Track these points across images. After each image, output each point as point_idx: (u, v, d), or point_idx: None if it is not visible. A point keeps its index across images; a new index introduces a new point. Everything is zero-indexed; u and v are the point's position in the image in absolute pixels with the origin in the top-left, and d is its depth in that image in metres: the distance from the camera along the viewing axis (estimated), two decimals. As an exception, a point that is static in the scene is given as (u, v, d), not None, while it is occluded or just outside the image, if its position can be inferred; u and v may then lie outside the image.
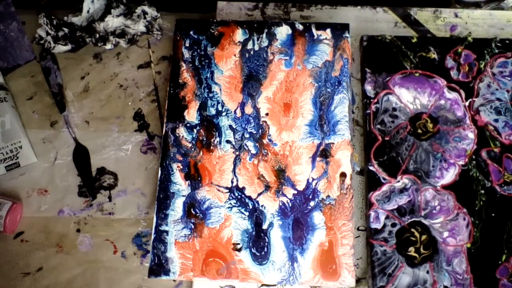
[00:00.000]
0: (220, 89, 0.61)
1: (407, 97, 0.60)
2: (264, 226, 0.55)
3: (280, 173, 0.57)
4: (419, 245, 0.54)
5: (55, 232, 0.58)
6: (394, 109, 0.60)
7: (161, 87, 0.65)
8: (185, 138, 0.59)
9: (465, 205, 0.55)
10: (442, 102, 0.60)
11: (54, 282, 0.56)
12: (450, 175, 0.56)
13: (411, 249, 0.54)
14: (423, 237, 0.54)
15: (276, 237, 0.55)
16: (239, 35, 0.63)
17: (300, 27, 0.63)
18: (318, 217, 0.55)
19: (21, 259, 0.57)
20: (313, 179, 0.57)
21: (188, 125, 0.60)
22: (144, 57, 0.67)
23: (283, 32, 0.63)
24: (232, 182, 0.57)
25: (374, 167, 0.57)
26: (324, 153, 0.58)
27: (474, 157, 0.57)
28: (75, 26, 0.66)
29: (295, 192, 0.57)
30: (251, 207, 0.56)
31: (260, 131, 0.59)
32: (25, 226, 0.58)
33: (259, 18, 0.68)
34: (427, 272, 0.53)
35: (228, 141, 0.59)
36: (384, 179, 0.56)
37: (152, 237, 0.55)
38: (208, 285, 0.55)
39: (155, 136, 0.63)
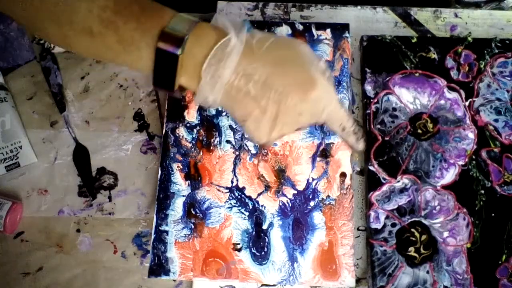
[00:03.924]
0: (220, 89, 0.61)
1: (407, 97, 0.60)
2: (264, 226, 0.55)
3: (280, 173, 0.57)
4: (419, 245, 0.54)
5: (55, 232, 0.58)
6: (394, 109, 0.59)
7: (161, 87, 0.65)
8: (185, 138, 0.59)
9: (465, 205, 0.55)
10: (442, 102, 0.60)
11: (54, 282, 0.56)
12: (450, 175, 0.56)
13: (411, 249, 0.54)
14: (423, 237, 0.54)
15: (276, 237, 0.55)
16: (239, 35, 0.63)
17: (300, 27, 0.63)
18: (318, 217, 0.55)
19: (21, 259, 0.57)
20: (313, 179, 0.57)
21: (188, 125, 0.60)
22: (144, 57, 0.67)
23: (283, 32, 0.63)
24: (232, 182, 0.57)
25: (374, 167, 0.57)
26: (324, 153, 0.58)
27: (474, 157, 0.57)
28: (75, 26, 0.66)
29: (295, 192, 0.57)
30: (251, 207, 0.56)
31: (260, 131, 0.59)
32: (25, 226, 0.58)
33: (259, 18, 0.68)
34: (427, 272, 0.53)
35: (228, 141, 0.59)
36: (384, 179, 0.56)
37: (152, 237, 0.55)
38: (208, 285, 0.55)
39: (155, 136, 0.63)
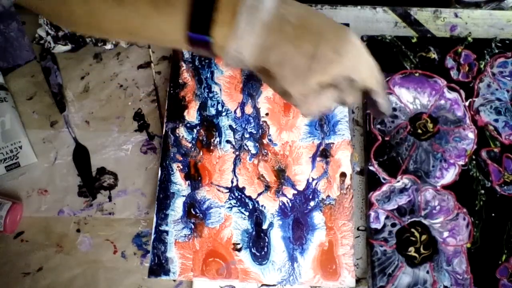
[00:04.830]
0: (220, 89, 0.61)
1: (407, 97, 0.60)
2: (264, 226, 0.55)
3: (280, 173, 0.57)
4: (419, 245, 0.54)
5: (55, 232, 0.58)
6: (394, 109, 0.60)
7: (161, 87, 0.65)
8: (185, 138, 0.59)
9: (465, 205, 0.55)
10: (442, 102, 0.60)
11: (54, 282, 0.56)
12: (450, 175, 0.56)
13: (411, 249, 0.54)
14: (423, 237, 0.54)
15: (276, 237, 0.55)
16: (239, 35, 0.63)
17: (300, 27, 0.63)
18: (318, 217, 0.55)
19: (21, 259, 0.57)
20: (313, 179, 0.57)
21: (188, 125, 0.60)
22: (144, 57, 0.67)
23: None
24: (232, 182, 0.57)
25: (374, 167, 0.57)
26: (324, 153, 0.58)
27: (474, 157, 0.57)
28: (75, 26, 0.66)
29: (295, 192, 0.57)
30: (251, 207, 0.56)
31: (260, 131, 0.59)
32: (25, 226, 0.58)
33: (259, 18, 0.68)
34: (427, 272, 0.53)
35: (228, 141, 0.59)
36: (384, 179, 0.56)
37: (152, 237, 0.55)
38: (208, 285, 0.55)
39: (155, 136, 0.63)
